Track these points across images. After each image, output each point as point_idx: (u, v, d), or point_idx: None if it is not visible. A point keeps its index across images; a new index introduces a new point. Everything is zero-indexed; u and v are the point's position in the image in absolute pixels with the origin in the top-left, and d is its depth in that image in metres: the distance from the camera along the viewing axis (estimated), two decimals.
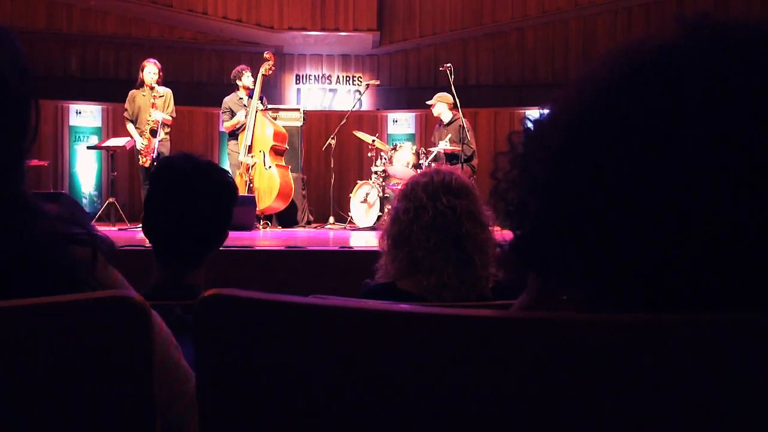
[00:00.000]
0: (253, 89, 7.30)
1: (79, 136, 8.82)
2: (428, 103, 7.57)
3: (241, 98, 7.37)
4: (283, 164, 7.41)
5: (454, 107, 7.31)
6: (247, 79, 7.31)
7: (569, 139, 0.54)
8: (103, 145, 7.59)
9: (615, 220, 0.50)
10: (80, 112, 8.85)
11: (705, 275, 0.48)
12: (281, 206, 7.34)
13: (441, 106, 7.41)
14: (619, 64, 0.53)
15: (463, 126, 7.13)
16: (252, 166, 7.19)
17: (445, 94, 7.39)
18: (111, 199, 7.10)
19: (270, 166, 7.22)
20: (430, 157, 7.10)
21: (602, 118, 0.52)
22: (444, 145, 7.06)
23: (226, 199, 1.71)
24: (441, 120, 7.49)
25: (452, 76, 7.16)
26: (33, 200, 0.82)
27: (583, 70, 0.56)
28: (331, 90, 10.21)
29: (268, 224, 7.27)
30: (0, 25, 0.81)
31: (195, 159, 1.72)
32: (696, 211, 0.48)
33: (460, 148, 7.05)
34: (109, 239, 0.89)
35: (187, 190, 1.64)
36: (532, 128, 0.60)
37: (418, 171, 5.73)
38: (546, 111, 0.58)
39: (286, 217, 7.53)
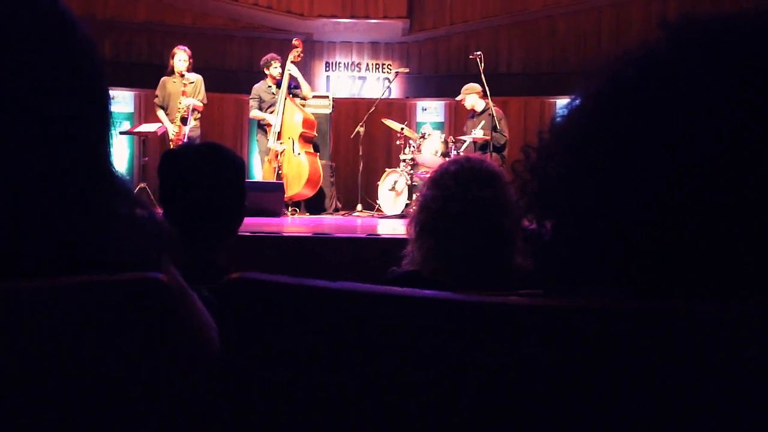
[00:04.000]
0: (281, 80, 7.34)
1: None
2: (457, 99, 7.49)
3: (269, 86, 7.41)
4: (312, 151, 7.44)
5: (484, 95, 7.23)
6: (275, 69, 7.34)
7: (581, 142, 0.57)
8: (135, 130, 7.65)
9: (630, 216, 0.51)
10: (113, 98, 8.91)
11: (725, 263, 0.48)
12: (310, 193, 7.37)
13: (472, 97, 7.32)
14: (615, 75, 0.56)
15: (493, 114, 7.06)
16: (281, 153, 7.22)
17: (472, 84, 7.30)
18: (142, 185, 7.15)
19: (299, 153, 7.25)
20: (462, 147, 7.05)
21: (607, 126, 0.55)
22: (479, 134, 7.01)
23: (231, 175, 1.78)
24: (474, 110, 7.42)
25: (482, 65, 7.09)
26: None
27: (586, 82, 0.60)
28: (360, 77, 10.19)
29: (296, 211, 7.31)
30: (71, 15, 0.81)
31: (195, 146, 1.82)
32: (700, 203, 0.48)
33: (490, 137, 6.99)
34: (164, 221, 0.90)
35: (193, 175, 1.72)
36: (546, 135, 0.63)
37: (447, 159, 5.70)
38: (563, 112, 0.61)
39: (314, 204, 7.56)
